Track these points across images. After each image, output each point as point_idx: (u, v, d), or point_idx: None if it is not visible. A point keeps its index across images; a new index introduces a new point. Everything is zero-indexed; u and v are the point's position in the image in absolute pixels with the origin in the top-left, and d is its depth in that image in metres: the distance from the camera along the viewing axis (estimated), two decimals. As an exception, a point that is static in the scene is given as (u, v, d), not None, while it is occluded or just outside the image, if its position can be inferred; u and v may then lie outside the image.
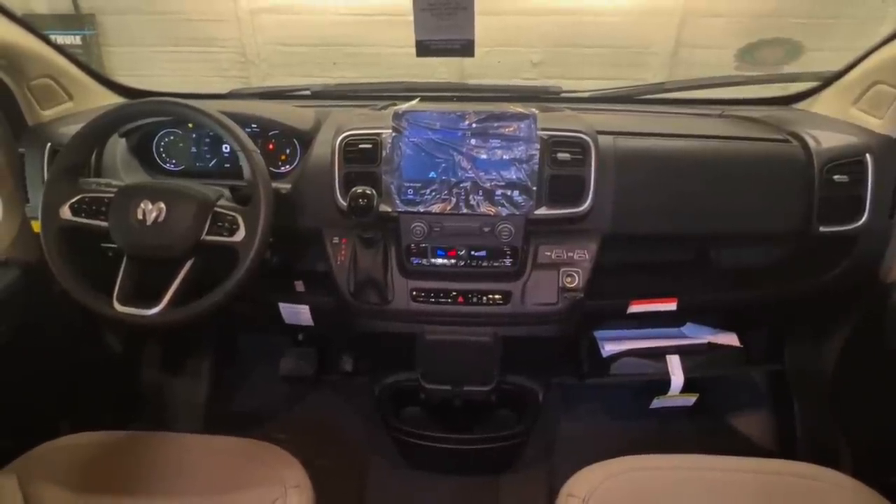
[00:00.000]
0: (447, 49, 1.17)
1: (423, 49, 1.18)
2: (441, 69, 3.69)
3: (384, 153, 1.22)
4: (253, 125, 1.34)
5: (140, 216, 1.08)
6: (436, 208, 1.22)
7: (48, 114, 1.41)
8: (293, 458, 1.15)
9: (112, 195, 1.12)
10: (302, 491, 1.07)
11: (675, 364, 1.60)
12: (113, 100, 1.60)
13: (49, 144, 1.33)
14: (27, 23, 1.31)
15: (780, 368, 1.68)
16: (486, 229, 1.23)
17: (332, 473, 1.37)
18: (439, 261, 1.25)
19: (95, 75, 1.56)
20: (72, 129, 1.18)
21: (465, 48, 1.17)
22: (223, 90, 1.71)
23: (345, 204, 1.18)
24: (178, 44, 4.15)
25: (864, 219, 1.27)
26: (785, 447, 1.67)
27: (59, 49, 1.42)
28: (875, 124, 1.33)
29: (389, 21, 3.84)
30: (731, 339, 1.65)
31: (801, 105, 1.60)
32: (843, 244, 1.31)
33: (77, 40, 4.00)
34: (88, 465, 1.13)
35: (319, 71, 4.09)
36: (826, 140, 1.30)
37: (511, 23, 3.88)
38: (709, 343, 1.64)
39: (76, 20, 4.01)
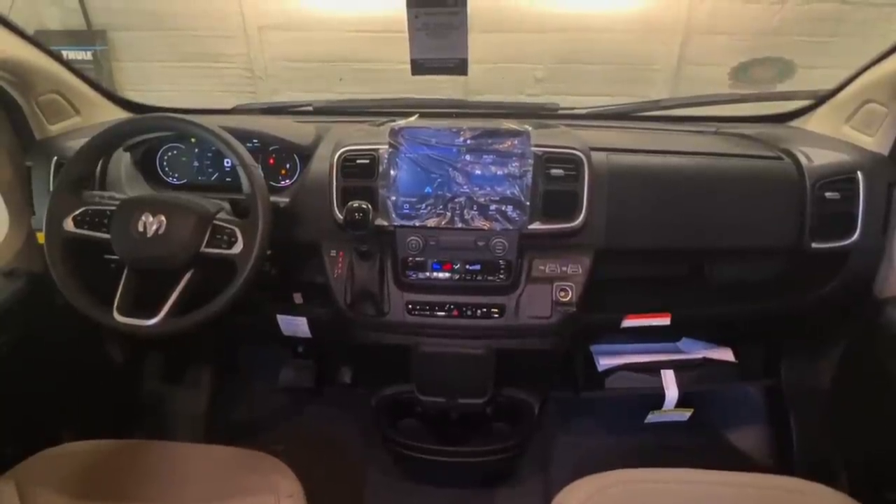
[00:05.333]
0: (441, 67, 1.20)
1: (418, 68, 1.21)
2: (446, 85, 3.72)
3: (381, 168, 1.24)
4: (254, 140, 1.37)
5: (141, 228, 1.10)
6: (431, 223, 1.24)
7: (55, 128, 1.44)
8: (287, 467, 1.16)
9: (114, 208, 1.15)
10: (295, 500, 1.08)
11: (669, 379, 1.60)
12: (119, 115, 1.63)
13: (55, 158, 1.36)
14: (35, 39, 1.34)
15: (776, 383, 1.68)
16: (481, 243, 1.25)
17: (329, 484, 1.38)
18: (434, 274, 1.27)
19: (102, 91, 1.59)
20: (78, 144, 1.20)
21: (459, 67, 1.20)
22: (231, 105, 1.74)
23: (341, 218, 1.20)
24: (188, 59, 4.20)
25: (855, 235, 1.28)
26: (781, 462, 1.66)
27: (67, 65, 1.46)
28: (867, 142, 1.34)
29: (395, 38, 3.85)
30: (726, 354, 1.65)
31: (795, 123, 1.62)
32: (836, 260, 1.32)
33: (88, 56, 4.06)
34: (84, 473, 1.15)
35: (326, 86, 4.13)
36: (818, 157, 1.31)
37: (515, 40, 3.92)
38: (704, 358, 1.64)
39: (88, 36, 4.06)
